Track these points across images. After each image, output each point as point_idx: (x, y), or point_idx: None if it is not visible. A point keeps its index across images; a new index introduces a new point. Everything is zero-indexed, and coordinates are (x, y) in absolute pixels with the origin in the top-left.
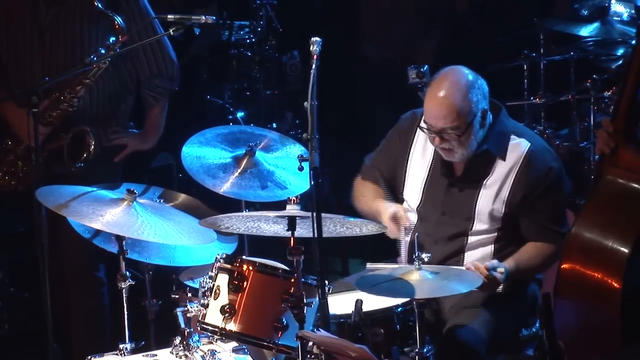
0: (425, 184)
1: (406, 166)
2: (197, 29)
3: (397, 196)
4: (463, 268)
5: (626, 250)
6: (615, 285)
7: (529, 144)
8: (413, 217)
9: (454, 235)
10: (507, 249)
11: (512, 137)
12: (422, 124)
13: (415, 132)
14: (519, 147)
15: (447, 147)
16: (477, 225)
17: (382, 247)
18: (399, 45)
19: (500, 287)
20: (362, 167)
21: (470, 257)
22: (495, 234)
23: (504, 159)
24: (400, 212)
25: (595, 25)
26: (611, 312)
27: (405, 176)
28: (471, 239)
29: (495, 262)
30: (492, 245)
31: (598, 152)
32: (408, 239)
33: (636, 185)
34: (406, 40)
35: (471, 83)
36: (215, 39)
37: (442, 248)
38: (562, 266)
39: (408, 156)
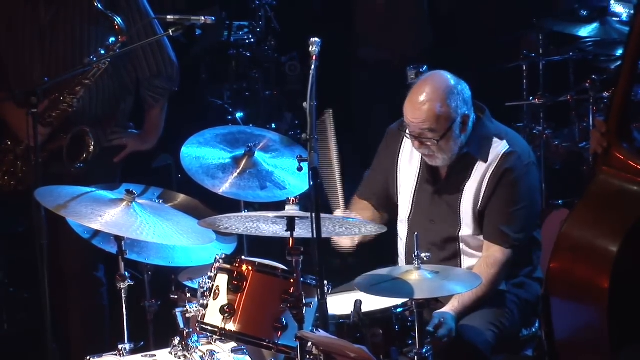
0: (414, 193)
1: (396, 174)
2: (198, 30)
3: (393, 209)
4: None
5: (614, 249)
6: (603, 284)
7: (508, 147)
8: (404, 226)
9: (444, 241)
10: None
11: (495, 139)
12: (404, 127)
13: (402, 139)
14: (498, 149)
15: (427, 153)
16: (464, 230)
17: (382, 249)
18: (395, 47)
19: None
20: (361, 184)
21: (467, 263)
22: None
23: (485, 161)
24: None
25: (595, 25)
26: (599, 312)
27: (397, 185)
28: (464, 244)
29: (429, 327)
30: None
31: (591, 152)
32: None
33: (628, 185)
34: (402, 42)
35: (451, 89)
36: (218, 39)
37: (435, 255)
38: (551, 265)
39: (397, 164)
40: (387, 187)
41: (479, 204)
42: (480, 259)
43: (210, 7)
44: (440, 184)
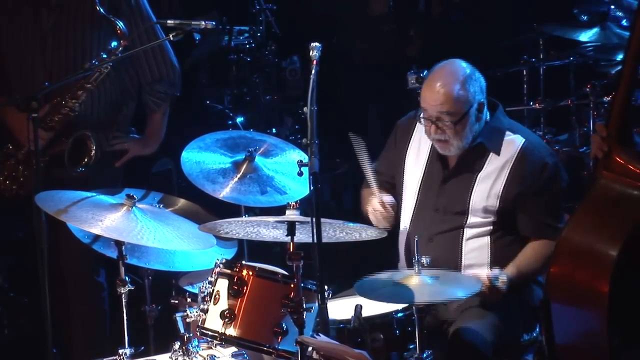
0: (420, 184)
1: (403, 165)
2: (197, 35)
3: (398, 198)
4: (463, 273)
5: (614, 253)
6: (603, 288)
7: (524, 140)
8: (407, 217)
9: (448, 230)
10: (503, 238)
11: (507, 133)
12: (420, 114)
13: (413, 130)
14: (513, 142)
15: (442, 139)
16: (472, 219)
17: (382, 252)
18: (388, 50)
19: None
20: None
21: (467, 247)
22: (491, 226)
23: (498, 153)
24: (379, 203)
25: (595, 30)
26: (599, 316)
27: (403, 175)
28: (467, 233)
29: (497, 271)
30: (489, 237)
31: (592, 156)
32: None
33: (628, 189)
34: (395, 45)
35: (469, 74)
36: (219, 44)
37: (438, 244)
38: (551, 269)
39: (405, 154)
40: (393, 176)
41: (496, 198)
42: (529, 244)
43: (208, 13)
44: (449, 174)
